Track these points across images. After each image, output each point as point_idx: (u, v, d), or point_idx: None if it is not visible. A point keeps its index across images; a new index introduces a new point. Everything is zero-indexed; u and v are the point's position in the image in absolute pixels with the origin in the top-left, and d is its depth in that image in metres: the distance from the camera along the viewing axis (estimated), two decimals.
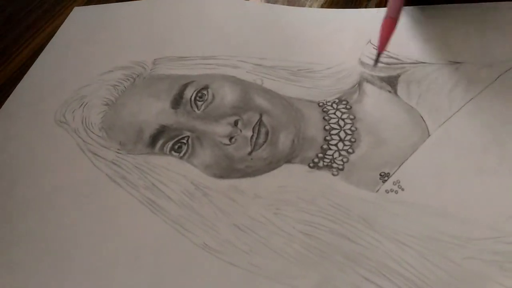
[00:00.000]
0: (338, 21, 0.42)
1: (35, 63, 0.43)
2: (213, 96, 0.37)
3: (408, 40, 0.39)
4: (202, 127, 0.35)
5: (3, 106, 0.40)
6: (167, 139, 0.34)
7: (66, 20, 0.46)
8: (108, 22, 0.46)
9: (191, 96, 0.36)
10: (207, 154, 0.33)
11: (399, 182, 0.31)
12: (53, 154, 0.36)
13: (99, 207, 0.32)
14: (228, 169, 0.33)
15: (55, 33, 0.45)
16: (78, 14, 0.48)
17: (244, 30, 0.43)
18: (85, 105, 0.38)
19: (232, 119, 0.35)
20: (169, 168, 0.33)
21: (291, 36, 0.42)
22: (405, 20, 0.40)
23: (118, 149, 0.35)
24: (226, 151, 0.34)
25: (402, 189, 0.30)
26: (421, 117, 0.34)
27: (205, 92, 0.37)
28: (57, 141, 0.37)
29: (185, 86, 0.37)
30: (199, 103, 0.36)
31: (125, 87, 0.38)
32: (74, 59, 0.43)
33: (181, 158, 0.34)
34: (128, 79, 0.39)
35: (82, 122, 0.37)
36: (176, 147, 0.34)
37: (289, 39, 0.41)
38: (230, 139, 0.34)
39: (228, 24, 0.44)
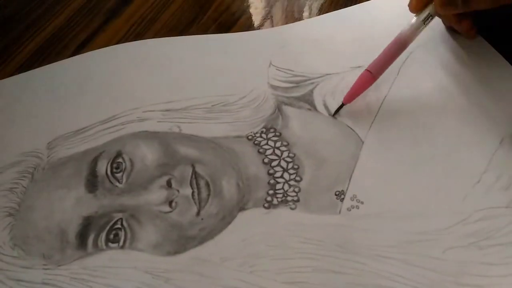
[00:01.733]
0: (233, 46, 0.40)
1: None
2: (131, 161, 0.32)
3: (309, 55, 0.39)
4: (132, 202, 0.30)
5: None
6: (97, 232, 0.28)
7: None
8: None
9: (106, 170, 0.31)
10: (151, 231, 0.29)
11: (356, 196, 0.30)
12: None
13: None
14: (181, 240, 0.29)
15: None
16: None
17: (137, 77, 0.38)
18: None
19: (163, 180, 0.31)
20: (113, 265, 0.27)
21: (192, 71, 0.39)
22: (300, 37, 0.41)
23: (44, 264, 0.27)
24: (171, 220, 0.29)
25: (362, 203, 0.30)
26: (348, 126, 0.34)
27: (120, 160, 0.31)
28: None
29: (94, 161, 0.32)
30: (118, 175, 0.31)
31: (24, 186, 0.31)
32: None
33: (122, 248, 0.28)
34: (25, 176, 0.31)
35: None
36: (111, 237, 0.28)
37: (190, 74, 0.38)
38: (170, 204, 0.30)
39: (115, 76, 0.39)
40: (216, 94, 0.37)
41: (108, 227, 0.28)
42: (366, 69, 0.34)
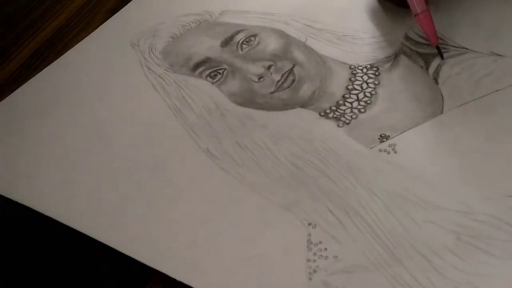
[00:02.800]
0: None
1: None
2: (259, 42, 0.41)
3: (456, 24, 0.39)
4: (239, 64, 0.40)
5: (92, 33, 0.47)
6: (207, 67, 0.41)
7: None
8: None
9: (240, 40, 0.42)
10: (236, 85, 0.39)
11: (395, 145, 0.32)
12: (120, 66, 0.44)
13: (138, 105, 0.40)
14: (248, 100, 0.38)
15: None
16: None
17: None
18: (155, 36, 0.46)
19: (267, 63, 0.39)
20: (200, 88, 0.39)
21: (347, 4, 0.44)
22: (459, 5, 0.40)
23: (167, 68, 0.42)
24: (252, 86, 0.38)
25: (395, 152, 0.32)
26: (441, 95, 0.35)
27: (253, 38, 0.42)
28: (126, 59, 0.45)
29: (238, 31, 0.43)
30: (244, 46, 0.41)
31: (191, 27, 0.45)
32: (166, 4, 0.50)
33: (213, 83, 0.39)
34: (196, 22, 0.46)
35: (149, 47, 0.45)
36: (212, 74, 0.40)
37: (344, 7, 0.44)
38: (259, 78, 0.38)
39: None
40: (353, 28, 0.42)
41: (214, 68, 0.40)
42: (423, 11, 0.34)
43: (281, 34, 0.43)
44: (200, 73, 0.41)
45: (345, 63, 0.39)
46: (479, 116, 0.33)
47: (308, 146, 0.34)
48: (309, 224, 0.30)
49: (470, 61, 0.36)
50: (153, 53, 0.44)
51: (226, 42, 0.42)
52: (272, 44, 0.41)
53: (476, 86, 0.34)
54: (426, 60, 0.37)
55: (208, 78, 0.40)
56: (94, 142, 0.39)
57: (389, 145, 0.33)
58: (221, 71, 0.40)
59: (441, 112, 0.34)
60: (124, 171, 0.36)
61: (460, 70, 0.36)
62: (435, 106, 0.34)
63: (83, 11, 0.48)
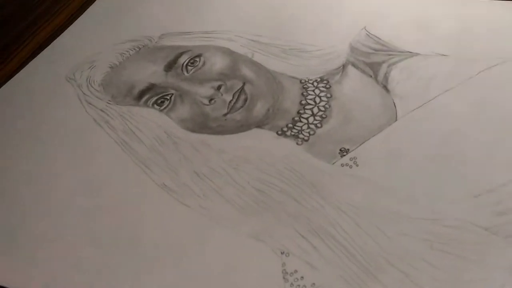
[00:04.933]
0: (336, 5, 0.43)
1: (67, 30, 0.47)
2: (204, 63, 0.40)
3: (404, 28, 0.40)
4: (186, 87, 0.38)
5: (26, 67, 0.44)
6: (152, 95, 0.38)
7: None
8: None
9: (184, 62, 0.39)
10: (185, 110, 0.36)
11: (356, 158, 0.32)
12: (56, 102, 0.40)
13: (80, 142, 0.37)
14: (201, 125, 0.36)
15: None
16: None
17: (245, 8, 0.45)
18: (92, 67, 0.42)
19: (216, 83, 0.38)
20: (147, 117, 0.37)
21: (289, 17, 0.44)
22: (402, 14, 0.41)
23: (109, 101, 0.39)
24: (203, 110, 0.36)
25: (357, 165, 0.32)
26: (393, 102, 0.35)
27: (197, 59, 0.40)
28: (60, 93, 0.41)
29: (180, 53, 0.41)
30: (190, 68, 0.39)
31: (130, 54, 0.42)
32: (101, 31, 0.47)
33: (161, 111, 0.37)
34: (135, 49, 0.43)
35: (87, 80, 0.41)
36: (159, 101, 0.37)
37: (287, 19, 0.44)
38: (210, 100, 0.37)
39: (231, 1, 0.46)
40: (299, 41, 0.42)
41: (161, 95, 0.38)
42: None
43: (227, 52, 0.41)
44: (146, 102, 0.38)
45: (295, 78, 0.39)
46: (432, 119, 0.33)
47: (270, 168, 0.33)
48: (282, 253, 0.28)
49: (416, 64, 0.37)
50: (92, 86, 0.40)
51: (170, 66, 0.40)
52: (218, 63, 0.40)
53: (425, 90, 0.35)
54: (374, 68, 0.37)
55: (155, 105, 0.37)
56: (37, 185, 0.35)
57: (350, 159, 0.32)
58: (168, 97, 0.38)
59: (396, 119, 0.34)
60: (74, 215, 0.32)
61: (408, 74, 0.36)
62: (389, 114, 0.34)
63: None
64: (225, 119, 0.36)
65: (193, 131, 0.35)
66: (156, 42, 0.43)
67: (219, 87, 0.37)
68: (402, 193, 0.30)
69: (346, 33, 0.41)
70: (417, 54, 0.38)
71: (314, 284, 0.27)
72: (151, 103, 0.38)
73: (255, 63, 0.40)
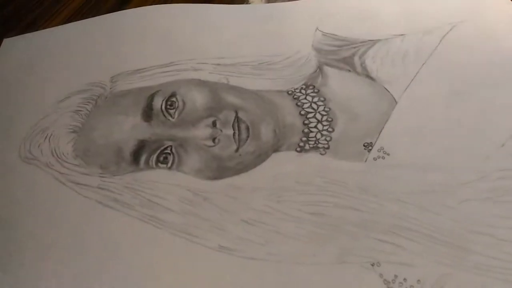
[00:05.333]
0: (283, 13, 0.43)
1: None
2: (183, 102, 0.36)
3: (352, 21, 0.41)
4: (181, 134, 0.34)
5: None
6: (149, 153, 0.33)
7: None
8: (51, 47, 0.43)
9: (161, 106, 0.35)
10: (195, 159, 0.33)
11: (383, 148, 0.32)
12: (29, 194, 0.33)
13: (97, 234, 0.30)
14: (219, 169, 0.32)
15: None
16: (11, 46, 0.44)
17: (194, 34, 0.42)
18: (50, 137, 0.35)
19: (209, 120, 0.35)
20: (160, 181, 0.32)
21: (242, 34, 0.42)
22: (347, 6, 0.43)
23: (101, 173, 0.33)
24: (213, 153, 0.33)
25: (388, 154, 0.32)
26: (384, 88, 0.36)
27: (174, 99, 0.36)
28: (29, 180, 0.33)
29: (151, 97, 0.36)
30: (172, 111, 0.35)
31: (88, 110, 0.36)
32: (21, 92, 0.39)
33: (169, 169, 0.33)
34: (89, 102, 0.37)
35: (53, 154, 0.34)
36: (161, 159, 0.33)
37: (241, 36, 0.42)
38: (213, 140, 0.33)
39: (178, 29, 0.43)
40: (263, 54, 0.41)
41: (159, 151, 0.33)
42: None
43: (200, 83, 0.38)
44: (146, 163, 0.33)
45: (280, 91, 0.38)
46: (428, 88, 0.35)
47: (310, 187, 0.31)
48: (373, 265, 0.27)
49: (382, 49, 0.39)
50: (66, 161, 0.34)
51: (148, 115, 0.35)
52: (199, 98, 0.37)
53: (405, 68, 0.37)
54: (348, 63, 0.38)
55: (160, 164, 0.33)
56: None
57: (378, 150, 0.33)
58: (168, 151, 0.33)
59: (395, 102, 0.35)
60: None
61: (382, 60, 0.38)
62: (387, 99, 0.36)
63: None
64: (240, 155, 0.33)
65: (215, 178, 0.32)
66: (111, 88, 0.38)
67: (214, 123, 0.34)
68: (441, 164, 0.31)
69: (303, 37, 0.41)
70: (378, 40, 0.40)
71: (419, 280, 0.26)
72: (153, 163, 0.33)
73: (235, 87, 0.38)
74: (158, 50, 0.41)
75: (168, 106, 0.35)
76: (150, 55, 0.40)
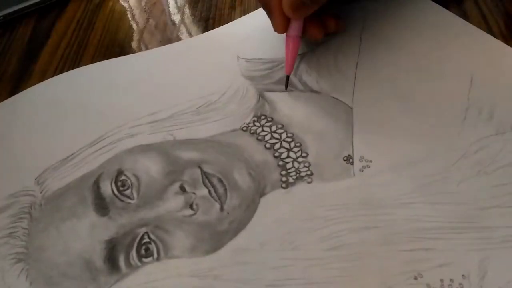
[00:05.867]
0: (199, 48, 0.41)
1: None
2: (136, 176, 0.30)
3: (271, 40, 0.40)
4: (152, 214, 0.28)
5: None
6: (126, 251, 0.27)
7: None
8: None
9: (112, 190, 0.29)
10: (182, 236, 0.28)
11: (364, 157, 0.32)
12: None
13: None
14: (214, 237, 0.28)
15: None
16: None
17: (112, 96, 0.37)
18: None
19: (176, 186, 0.30)
20: (155, 279, 0.26)
21: (167, 79, 0.38)
22: (261, 26, 0.42)
23: None
24: (198, 221, 0.28)
25: (371, 161, 0.31)
26: (332, 97, 0.36)
27: (123, 177, 0.30)
28: None
29: (96, 184, 0.30)
30: (127, 192, 0.29)
31: (25, 228, 0.28)
32: None
33: (158, 260, 0.27)
34: (21, 218, 0.29)
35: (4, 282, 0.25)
36: (142, 252, 0.27)
37: (166, 83, 0.38)
38: (191, 207, 0.29)
39: (88, 98, 0.37)
40: (197, 97, 0.37)
41: (136, 244, 0.27)
42: (293, 36, 0.34)
43: (144, 149, 0.33)
44: (128, 264, 0.26)
45: (234, 130, 0.35)
46: (372, 88, 0.36)
47: (316, 222, 0.29)
48: (416, 278, 0.26)
49: (311, 60, 0.39)
50: None
51: (102, 207, 0.29)
52: (152, 166, 0.31)
53: (341, 73, 0.37)
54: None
55: (144, 259, 0.27)
56: None
57: (360, 160, 0.32)
58: (146, 239, 0.27)
59: (350, 107, 0.35)
60: None
61: (317, 71, 0.38)
62: (341, 107, 0.35)
63: None
64: (227, 213, 0.29)
65: (215, 250, 0.27)
66: (42, 191, 0.30)
67: (182, 188, 0.30)
68: (422, 154, 0.31)
69: (229, 69, 0.39)
70: (304, 53, 0.39)
71: (464, 275, 0.26)
72: (136, 261, 0.27)
73: (185, 141, 0.34)
74: (79, 127, 0.34)
75: (121, 188, 0.29)
76: (72, 136, 0.33)
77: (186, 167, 0.31)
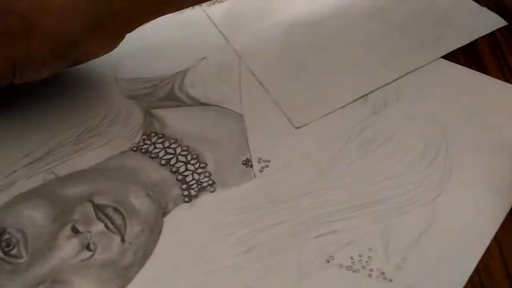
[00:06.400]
0: (73, 73, 0.38)
1: None
2: (20, 230, 0.27)
3: (149, 60, 0.39)
4: (46, 268, 0.25)
5: None
6: None
7: None
8: None
9: None
10: (83, 284, 0.25)
11: (261, 158, 0.32)
12: None
13: None
14: (120, 274, 0.25)
15: None
16: None
17: None
18: None
19: (67, 230, 0.27)
20: None
21: (38, 112, 0.34)
22: (137, 45, 0.40)
23: None
24: (98, 262, 0.26)
25: (268, 161, 0.32)
26: (221, 106, 0.36)
27: (6, 236, 0.26)
28: None
29: None
30: (14, 252, 0.26)
31: None
32: None
33: None
34: None
35: None
36: None
37: (37, 116, 0.34)
38: (88, 247, 0.26)
39: None
40: (76, 125, 0.34)
41: None
42: None
43: (24, 198, 0.29)
44: None
45: (124, 152, 0.33)
46: (256, 93, 0.37)
47: (226, 228, 0.28)
48: (328, 261, 0.27)
49: (189, 75, 0.38)
50: None
51: None
52: (36, 214, 0.28)
53: (223, 82, 0.37)
54: (174, 98, 0.36)
55: None
56: None
57: (258, 162, 0.32)
58: None
59: (240, 113, 0.35)
60: None
61: (201, 82, 0.37)
62: (232, 115, 0.35)
63: None
64: (130, 243, 0.27)
65: (123, 286, 0.25)
66: None
67: (74, 230, 0.27)
68: (315, 142, 0.33)
69: (108, 90, 0.37)
70: (186, 69, 0.38)
71: (370, 248, 0.27)
72: None
73: (69, 175, 0.31)
74: None
75: (6, 249, 0.25)
76: None
77: (75, 205, 0.28)
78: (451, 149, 0.32)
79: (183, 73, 0.38)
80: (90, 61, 0.36)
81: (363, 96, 0.35)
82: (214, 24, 0.41)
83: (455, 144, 0.32)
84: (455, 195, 0.29)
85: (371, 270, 0.26)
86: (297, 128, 0.34)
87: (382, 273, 0.26)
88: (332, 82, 0.36)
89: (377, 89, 0.36)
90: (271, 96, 0.36)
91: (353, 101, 0.35)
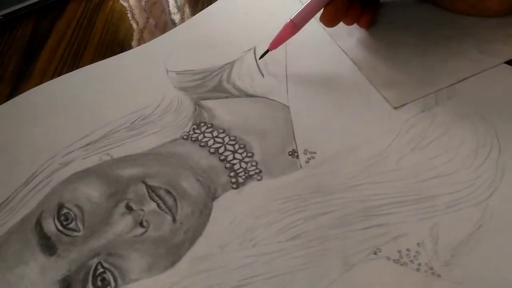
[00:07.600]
0: (128, 65, 0.39)
1: None
2: (78, 206, 0.28)
3: (199, 52, 0.40)
4: (101, 242, 0.26)
5: None
6: (82, 286, 0.25)
7: None
8: None
9: (56, 227, 0.27)
10: (136, 258, 0.26)
11: (307, 149, 0.32)
12: None
13: None
14: (172, 250, 0.26)
15: None
16: None
17: (37, 127, 0.34)
18: None
19: (121, 207, 0.28)
20: None
21: (93, 100, 0.36)
22: (186, 38, 0.42)
23: None
24: (151, 238, 0.27)
25: (315, 152, 0.32)
26: (268, 98, 0.36)
27: (65, 211, 0.28)
28: None
29: (38, 224, 0.28)
30: (72, 225, 0.27)
31: None
32: None
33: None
34: None
35: None
36: (99, 283, 0.25)
37: (93, 104, 0.36)
38: (141, 224, 0.27)
39: (9, 136, 0.34)
40: (129, 112, 0.36)
41: (90, 277, 0.25)
42: (290, 20, 0.35)
43: (81, 176, 0.31)
44: None
45: (175, 140, 0.34)
46: (303, 85, 0.37)
47: (272, 216, 0.29)
48: (375, 253, 0.27)
49: (238, 66, 0.39)
50: None
51: (49, 246, 0.27)
52: (92, 192, 0.30)
53: (270, 74, 0.38)
54: (222, 90, 0.37)
55: None
56: None
57: (304, 153, 0.32)
58: (100, 269, 0.25)
59: (287, 105, 0.36)
60: None
61: (249, 75, 0.38)
62: (278, 106, 0.36)
63: None
64: (181, 223, 0.28)
65: (174, 263, 0.26)
66: None
67: (128, 207, 0.28)
68: (363, 137, 0.32)
69: (160, 82, 0.38)
70: (234, 60, 0.39)
71: (419, 243, 0.27)
72: None
73: (124, 158, 0.32)
74: (8, 168, 0.31)
75: (64, 222, 0.27)
76: (3, 180, 0.30)
77: (129, 185, 0.29)
78: (504, 149, 0.31)
79: (231, 65, 0.39)
80: (142, 53, 0.38)
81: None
82: None
83: (508, 145, 0.31)
84: (508, 195, 0.29)
85: (419, 264, 0.26)
86: (395, 108, 0.33)
87: (431, 268, 0.25)
88: (427, 64, 0.36)
89: (474, 75, 0.35)
90: (364, 76, 0.36)
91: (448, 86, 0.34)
